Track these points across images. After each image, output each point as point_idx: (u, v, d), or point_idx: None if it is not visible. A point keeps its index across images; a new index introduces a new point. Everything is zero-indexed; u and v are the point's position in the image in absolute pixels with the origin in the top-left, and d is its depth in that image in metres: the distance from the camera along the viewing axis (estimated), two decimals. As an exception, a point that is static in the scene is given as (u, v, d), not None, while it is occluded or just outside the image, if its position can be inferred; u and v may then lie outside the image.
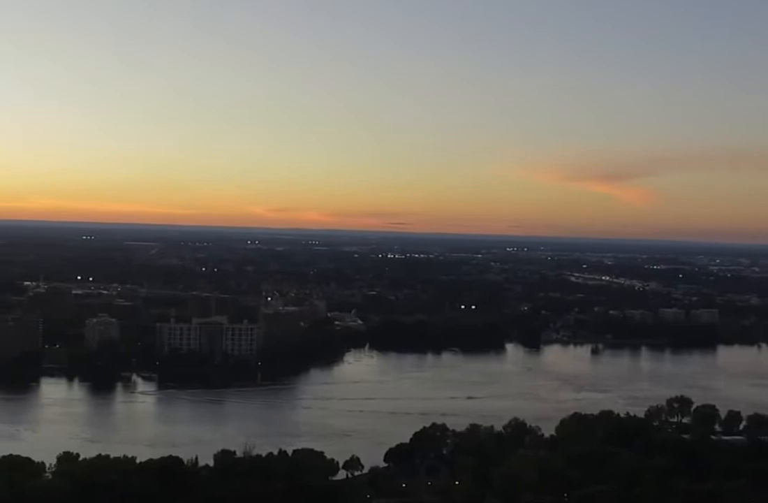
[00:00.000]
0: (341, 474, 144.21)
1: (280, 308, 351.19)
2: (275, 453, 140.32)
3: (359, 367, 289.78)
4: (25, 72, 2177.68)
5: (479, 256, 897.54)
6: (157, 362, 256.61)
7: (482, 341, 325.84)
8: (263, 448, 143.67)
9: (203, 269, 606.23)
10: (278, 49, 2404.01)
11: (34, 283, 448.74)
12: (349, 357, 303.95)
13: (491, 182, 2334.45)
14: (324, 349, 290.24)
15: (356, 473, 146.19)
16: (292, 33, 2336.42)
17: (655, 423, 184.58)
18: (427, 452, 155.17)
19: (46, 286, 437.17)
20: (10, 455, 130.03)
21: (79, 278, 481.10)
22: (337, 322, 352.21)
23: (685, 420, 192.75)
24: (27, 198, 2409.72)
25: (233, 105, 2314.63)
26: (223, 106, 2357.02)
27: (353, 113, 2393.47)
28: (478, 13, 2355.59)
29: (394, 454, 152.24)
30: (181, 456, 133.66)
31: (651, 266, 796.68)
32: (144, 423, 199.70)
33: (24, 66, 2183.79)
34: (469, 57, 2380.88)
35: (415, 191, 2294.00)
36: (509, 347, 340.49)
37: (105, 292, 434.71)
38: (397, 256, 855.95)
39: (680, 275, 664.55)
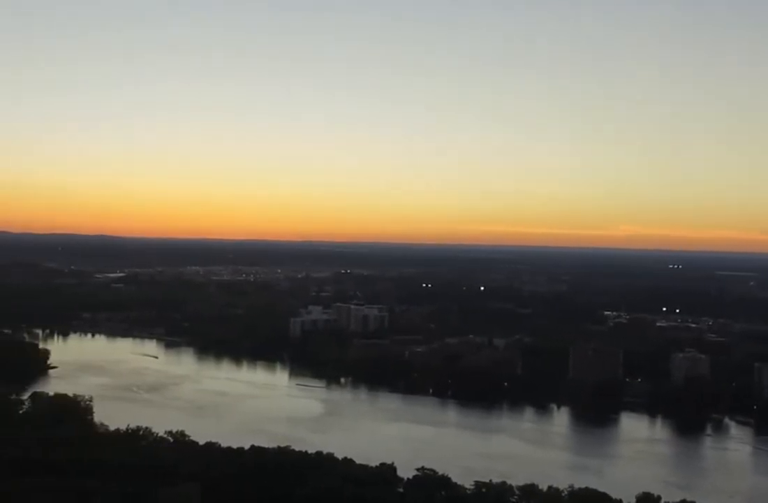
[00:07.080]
0: None
1: None
2: None
3: None
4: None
5: None
6: (755, 407, 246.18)
7: None
8: None
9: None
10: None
11: (615, 313, 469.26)
12: None
13: None
14: None
15: None
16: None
17: None
18: None
19: (627, 316, 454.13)
20: (587, 488, 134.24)
21: (664, 309, 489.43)
22: None
23: None
24: (609, 226, 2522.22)
25: None
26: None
27: None
28: None
29: None
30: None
31: None
32: (738, 474, 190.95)
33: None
34: None
35: None
36: None
37: (694, 325, 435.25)
38: None
39: None
